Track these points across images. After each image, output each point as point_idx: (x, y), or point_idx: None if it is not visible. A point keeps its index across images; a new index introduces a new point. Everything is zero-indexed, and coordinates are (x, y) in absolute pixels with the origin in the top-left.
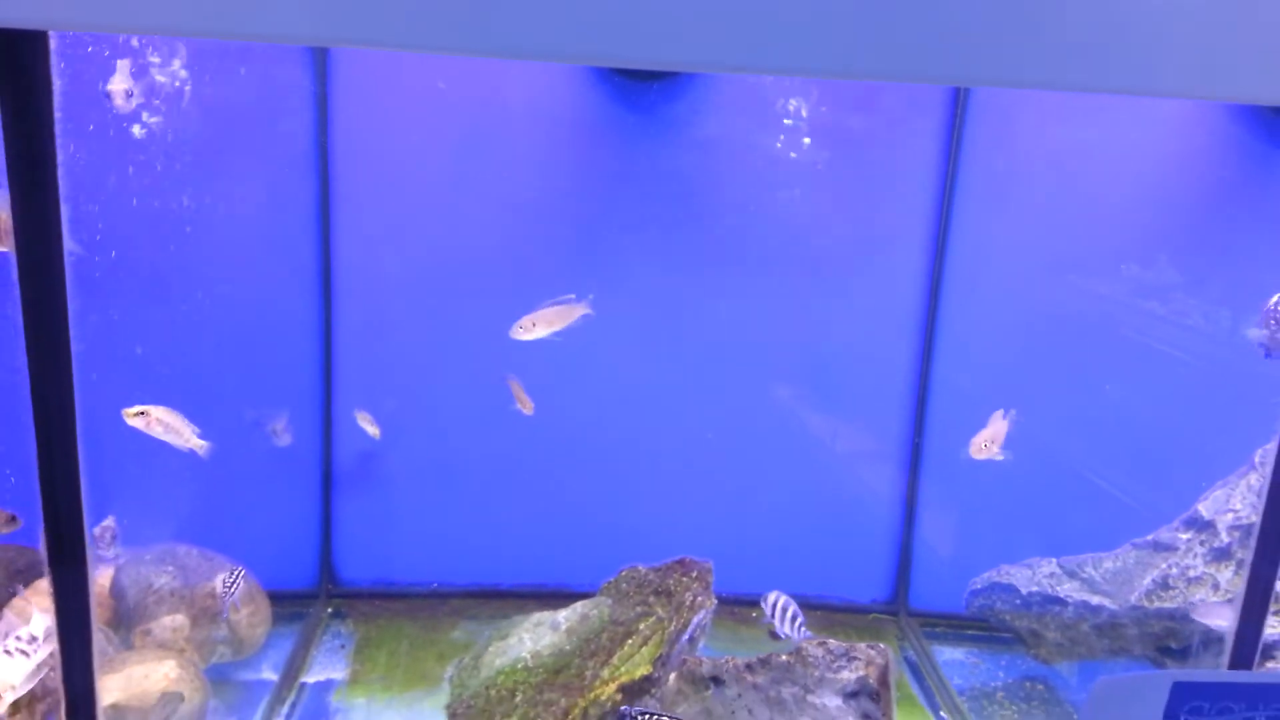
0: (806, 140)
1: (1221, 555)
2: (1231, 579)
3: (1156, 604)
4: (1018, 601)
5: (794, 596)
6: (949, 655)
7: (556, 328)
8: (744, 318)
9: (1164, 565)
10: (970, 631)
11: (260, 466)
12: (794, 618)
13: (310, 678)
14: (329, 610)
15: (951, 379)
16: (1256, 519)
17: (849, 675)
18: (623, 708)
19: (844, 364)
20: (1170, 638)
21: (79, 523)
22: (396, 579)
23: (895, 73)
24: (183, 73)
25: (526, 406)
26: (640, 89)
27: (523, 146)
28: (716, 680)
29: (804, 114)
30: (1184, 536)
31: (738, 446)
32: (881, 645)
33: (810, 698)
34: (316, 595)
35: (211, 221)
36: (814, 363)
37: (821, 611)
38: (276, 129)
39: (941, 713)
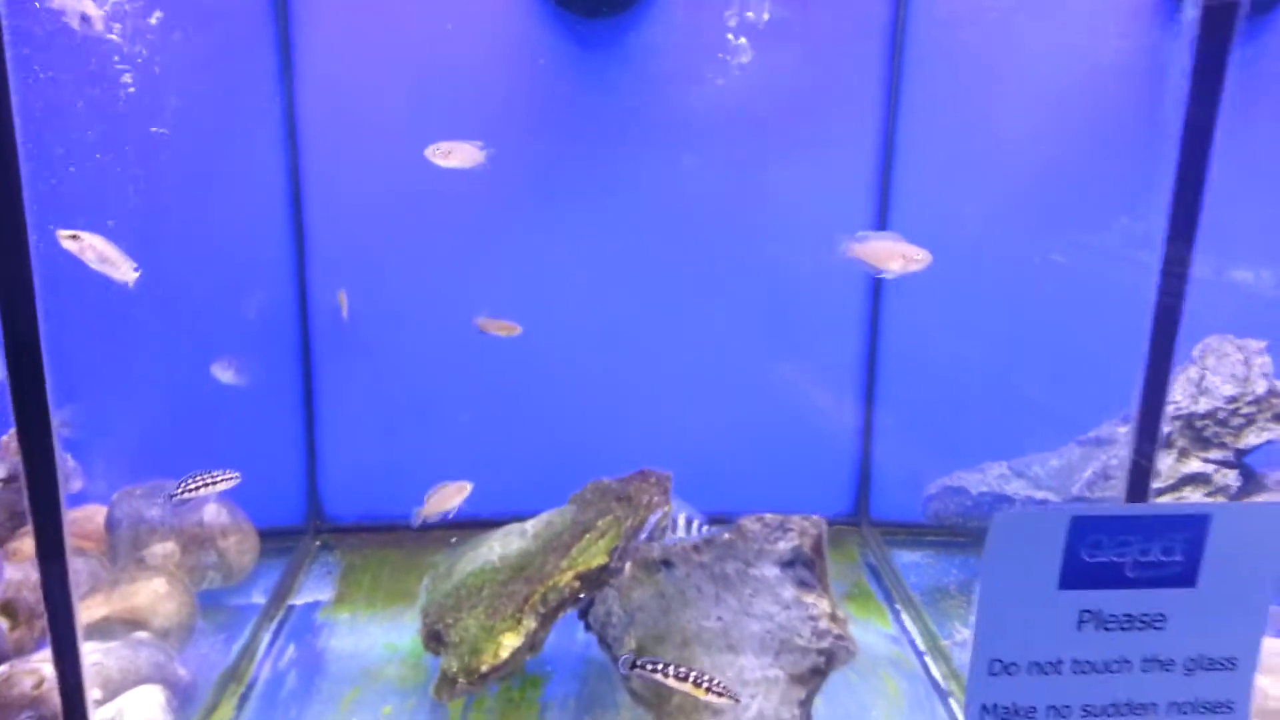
0: (746, 42)
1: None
2: (1172, 465)
3: (1097, 493)
4: (969, 503)
5: (762, 512)
6: (907, 558)
7: (469, 164)
8: (702, 244)
9: (1104, 458)
10: (928, 537)
11: (244, 406)
12: (699, 525)
13: (297, 600)
14: (316, 544)
15: (904, 294)
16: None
17: (784, 546)
18: (627, 655)
19: (800, 283)
20: None
21: (50, 453)
22: (381, 513)
23: None
24: None
25: (509, 330)
26: (589, 24)
27: (480, 83)
28: (667, 563)
29: (751, 19)
30: (1123, 430)
31: (701, 371)
32: (815, 517)
33: (751, 570)
34: (304, 531)
35: (182, 149)
36: (771, 285)
37: None
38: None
39: (897, 605)
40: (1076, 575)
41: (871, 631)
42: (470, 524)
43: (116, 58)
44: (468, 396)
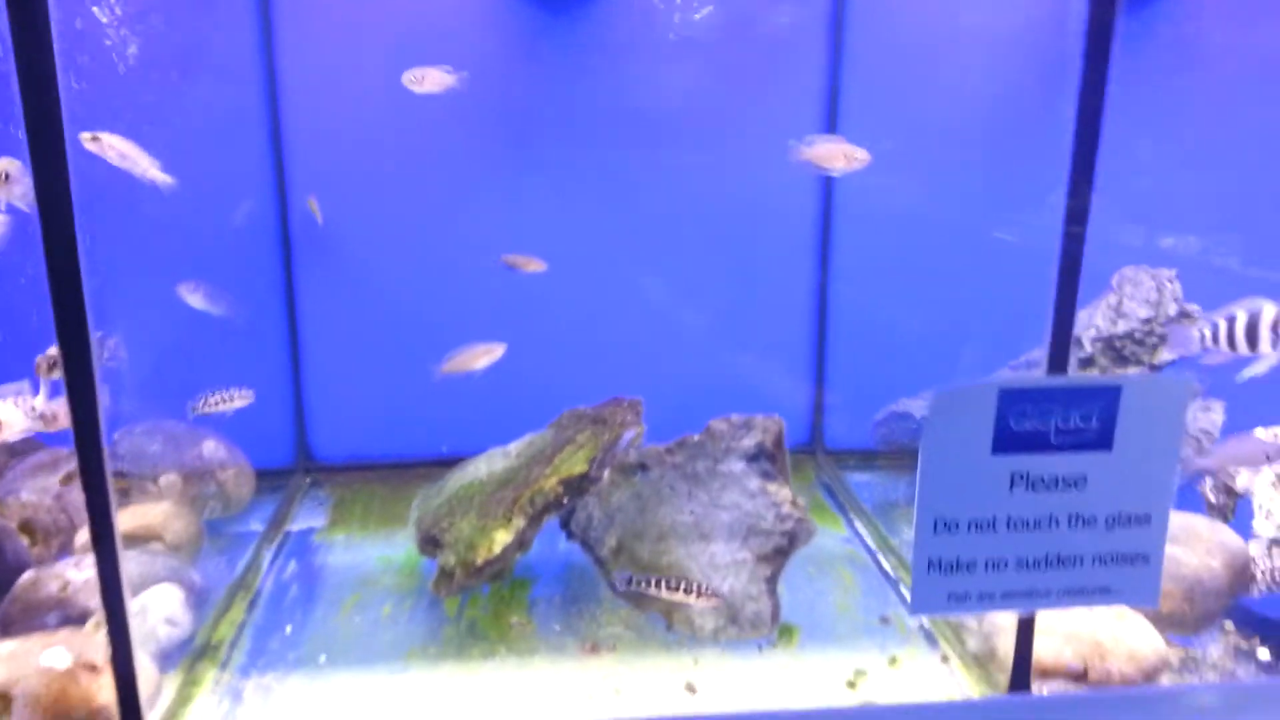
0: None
1: (1086, 363)
2: None
3: None
4: (913, 426)
5: None
6: (859, 479)
7: (441, 89)
8: (664, 192)
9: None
10: (878, 461)
11: (230, 351)
12: None
13: (294, 527)
14: (307, 481)
15: (851, 234)
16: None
17: (749, 442)
18: (622, 573)
19: (756, 234)
20: None
21: (91, 380)
22: (368, 453)
23: None
24: None
25: (535, 265)
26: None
27: (457, 54)
28: (643, 467)
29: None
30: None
31: (669, 313)
32: (775, 415)
33: (719, 466)
34: (295, 471)
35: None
36: (731, 234)
37: None
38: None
39: (850, 515)
40: (1007, 441)
41: (828, 536)
42: (455, 461)
43: None
44: (449, 336)
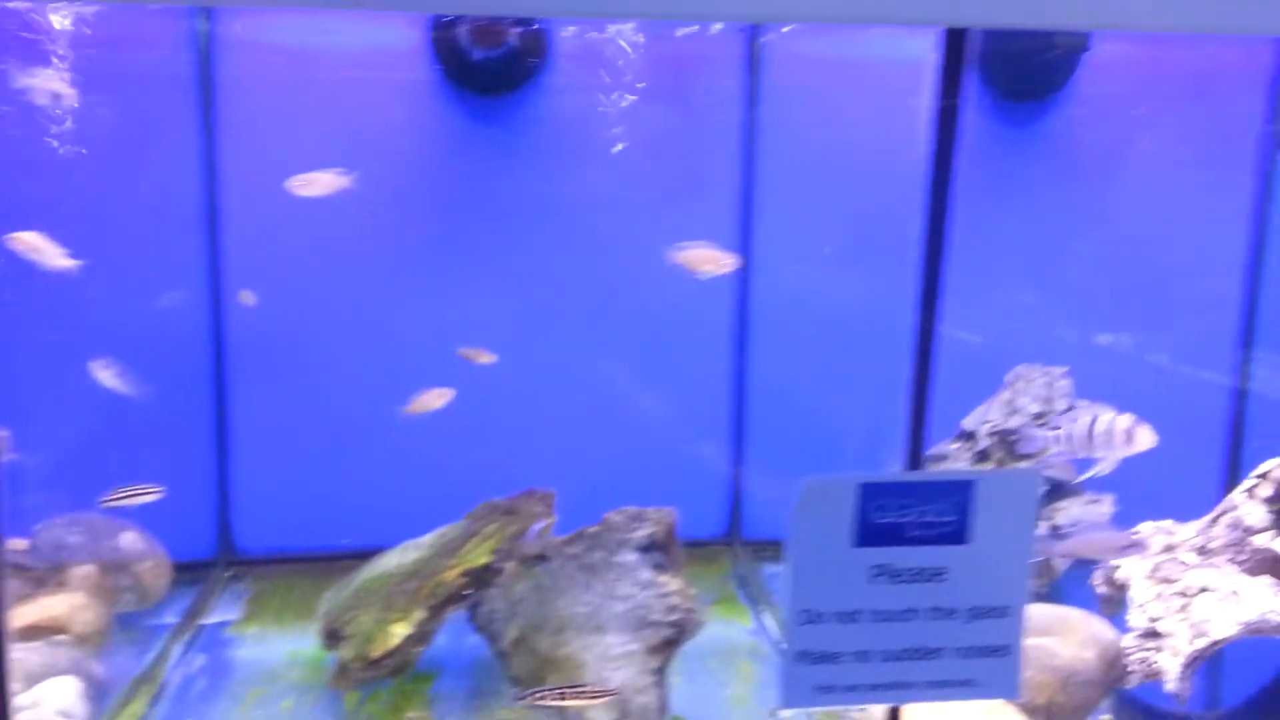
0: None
1: (982, 456)
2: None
3: None
4: None
5: None
6: (774, 570)
7: (331, 191)
8: (588, 293)
9: (938, 469)
10: None
11: (159, 440)
12: None
13: (208, 620)
14: (228, 574)
15: (771, 325)
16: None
17: (641, 534)
18: (515, 690)
19: (675, 325)
20: None
21: None
22: (292, 545)
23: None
24: None
25: (486, 358)
26: (487, 103)
27: (387, 151)
28: (543, 558)
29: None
30: (954, 446)
31: (588, 407)
32: (667, 508)
33: (614, 558)
34: (216, 563)
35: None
36: (648, 326)
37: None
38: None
39: (759, 607)
40: (868, 534)
41: (734, 628)
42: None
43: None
44: (378, 427)
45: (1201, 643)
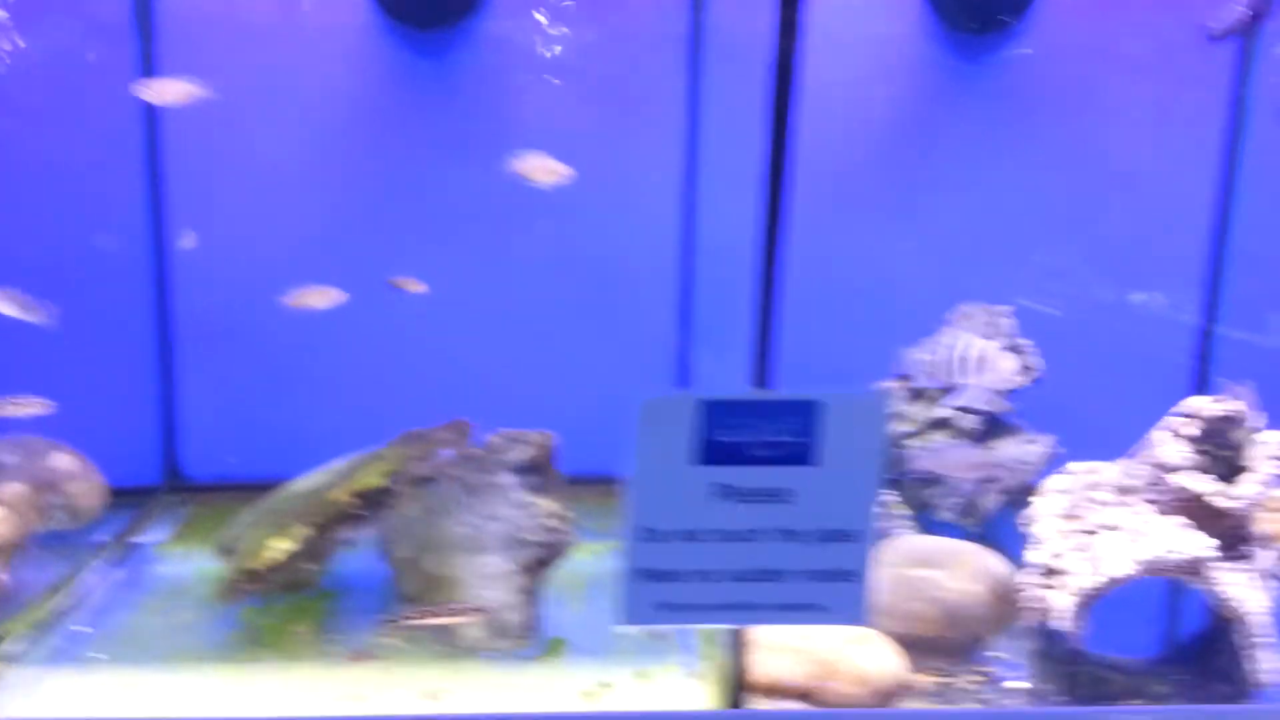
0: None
1: (917, 394)
2: (923, 413)
3: None
4: None
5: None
6: None
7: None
8: (524, 233)
9: None
10: None
11: (104, 368)
12: None
13: (138, 539)
14: (173, 499)
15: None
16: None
17: (519, 455)
18: (390, 613)
19: (608, 268)
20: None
21: None
22: (238, 474)
23: None
24: None
25: (415, 287)
26: (426, 37)
27: (326, 96)
28: (430, 480)
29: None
30: (893, 385)
31: (527, 343)
32: (547, 431)
33: (493, 479)
34: (161, 489)
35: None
36: (583, 268)
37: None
38: None
39: None
40: (711, 452)
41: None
42: None
43: None
44: (323, 359)
45: (1097, 580)
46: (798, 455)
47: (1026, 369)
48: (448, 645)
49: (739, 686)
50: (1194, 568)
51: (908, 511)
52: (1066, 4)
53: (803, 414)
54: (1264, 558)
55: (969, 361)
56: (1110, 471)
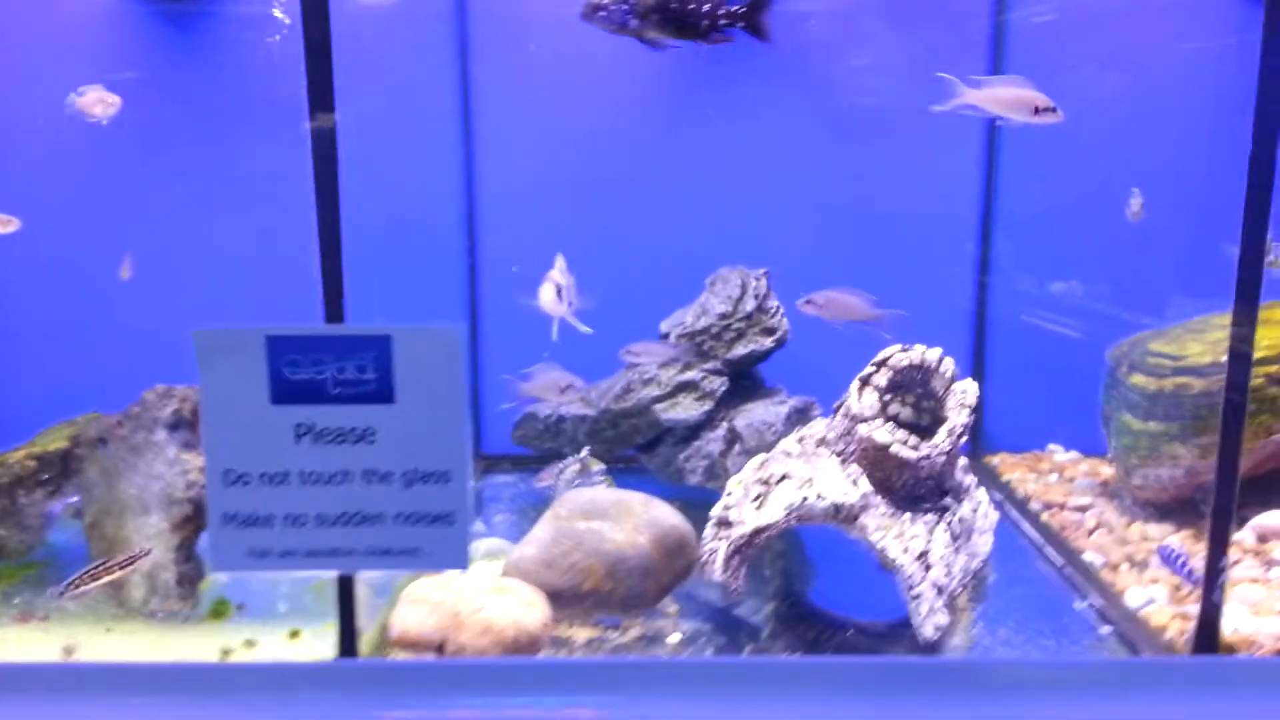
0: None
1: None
2: (671, 375)
3: (620, 405)
4: (540, 426)
5: None
6: (501, 480)
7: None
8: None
9: (631, 375)
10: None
11: None
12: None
13: None
14: None
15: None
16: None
17: (168, 411)
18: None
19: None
20: (636, 433)
21: None
22: None
23: None
24: None
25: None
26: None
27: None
28: (102, 440)
29: None
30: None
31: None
32: (196, 385)
33: (152, 437)
34: None
35: None
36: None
37: None
38: None
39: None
40: (284, 391)
41: None
42: None
43: None
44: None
45: (741, 529)
46: (376, 393)
47: (769, 332)
48: (117, 606)
49: (352, 638)
50: (849, 515)
51: (602, 466)
52: None
53: (373, 349)
54: (963, 508)
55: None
56: (817, 425)
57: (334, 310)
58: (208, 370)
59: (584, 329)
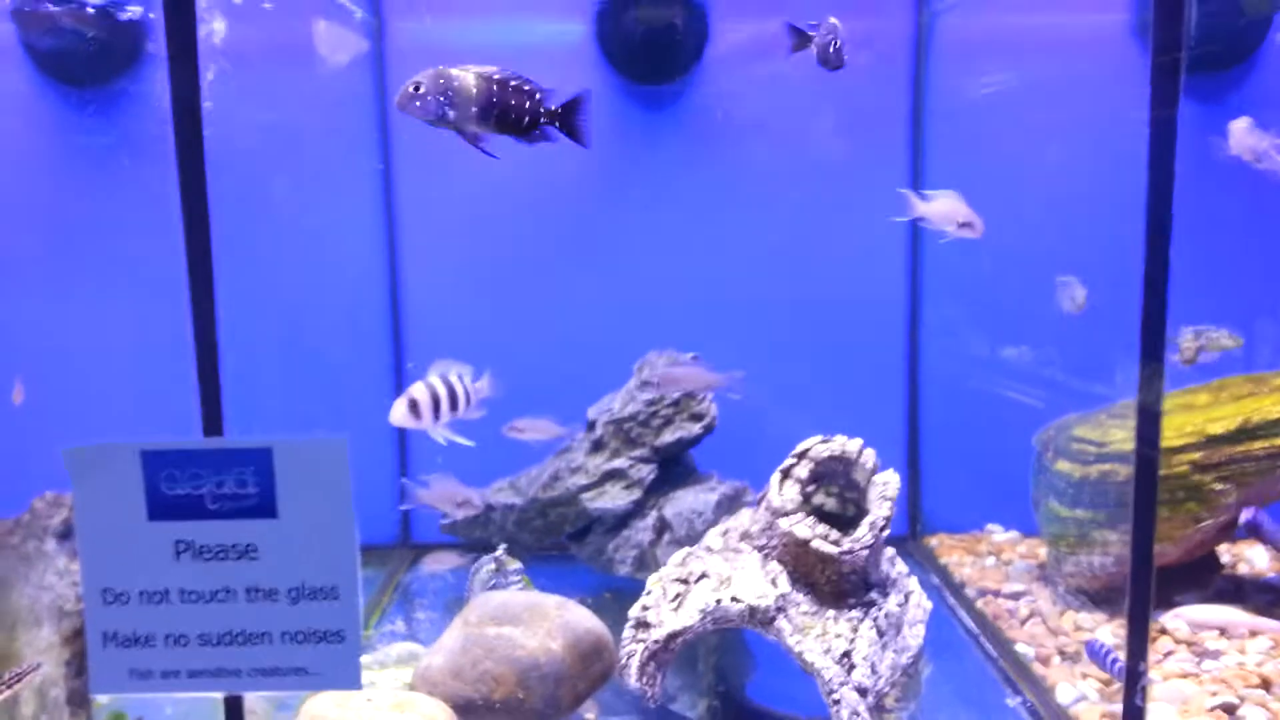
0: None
1: (598, 446)
2: (599, 463)
3: (548, 494)
4: (476, 515)
5: None
6: (429, 571)
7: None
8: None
9: (559, 462)
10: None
11: None
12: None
13: None
14: None
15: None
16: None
17: (59, 520)
18: None
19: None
20: (564, 522)
21: None
22: None
23: None
24: None
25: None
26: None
27: None
28: None
29: None
30: (579, 437)
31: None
32: None
33: (43, 546)
34: None
35: None
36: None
37: None
38: None
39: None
40: (162, 507)
41: None
42: None
43: None
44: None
45: (657, 633)
46: (257, 508)
47: (698, 418)
48: None
49: None
50: (764, 618)
51: (519, 565)
52: (735, 48)
53: (253, 463)
54: (890, 603)
55: None
56: (742, 517)
57: (212, 422)
58: (81, 487)
59: (465, 442)
